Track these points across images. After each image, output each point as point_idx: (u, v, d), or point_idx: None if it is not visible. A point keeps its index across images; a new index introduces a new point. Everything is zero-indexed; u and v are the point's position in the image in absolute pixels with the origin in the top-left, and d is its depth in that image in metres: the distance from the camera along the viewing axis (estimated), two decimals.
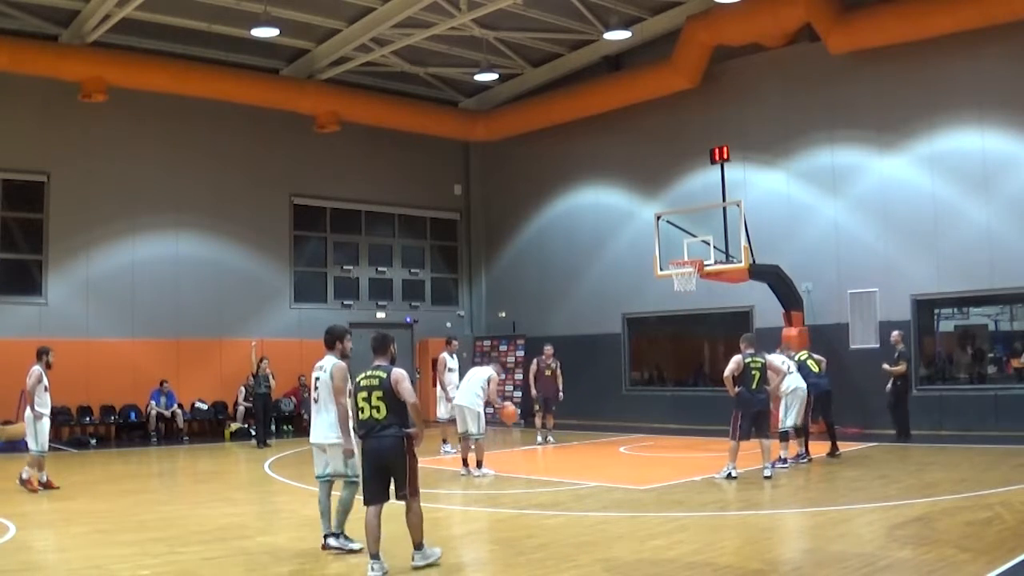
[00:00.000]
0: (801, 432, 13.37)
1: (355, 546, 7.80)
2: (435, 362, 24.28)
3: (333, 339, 8.16)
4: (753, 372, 11.83)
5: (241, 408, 20.15)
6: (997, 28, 16.38)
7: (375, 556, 6.95)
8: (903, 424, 16.31)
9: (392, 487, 7.14)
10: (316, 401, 8.04)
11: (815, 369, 13.84)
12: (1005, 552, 7.18)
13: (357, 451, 7.67)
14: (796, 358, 13.86)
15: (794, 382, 13.22)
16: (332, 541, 7.84)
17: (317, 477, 8.11)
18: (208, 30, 19.38)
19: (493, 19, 19.78)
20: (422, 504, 7.28)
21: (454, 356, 16.09)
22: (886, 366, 16.05)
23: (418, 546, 7.18)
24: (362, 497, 7.25)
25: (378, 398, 7.12)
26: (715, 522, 9.30)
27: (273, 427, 20.32)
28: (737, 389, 11.88)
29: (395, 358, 7.55)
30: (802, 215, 19.38)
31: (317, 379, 8.05)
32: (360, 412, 7.19)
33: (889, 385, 16.18)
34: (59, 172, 19.54)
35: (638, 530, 8.79)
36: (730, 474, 11.77)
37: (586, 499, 10.85)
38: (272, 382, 18.63)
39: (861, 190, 18.66)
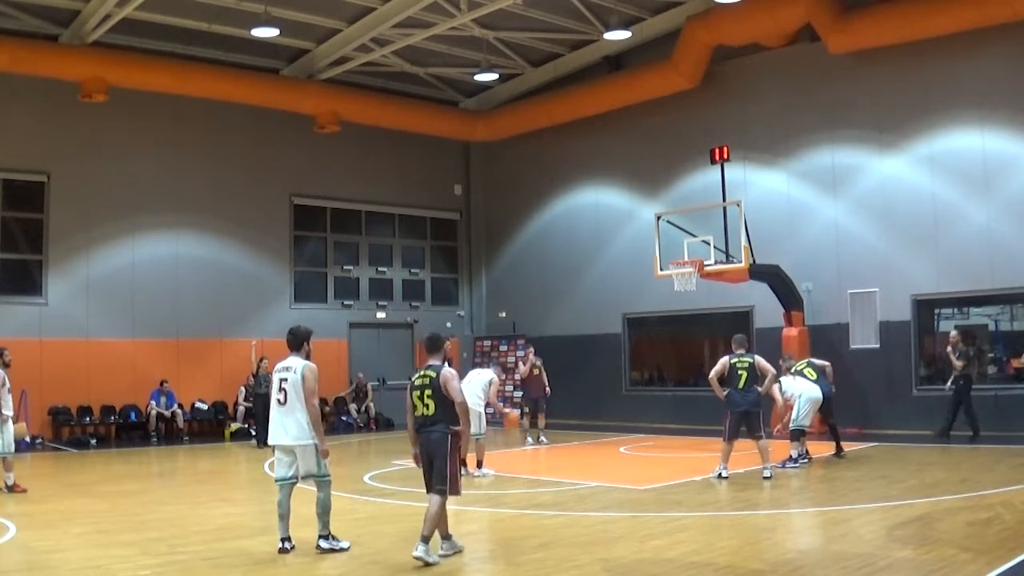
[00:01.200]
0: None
1: (344, 544, 7.85)
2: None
3: (299, 340, 8.19)
4: (740, 372, 11.83)
5: (241, 408, 20.15)
6: (997, 28, 16.38)
7: (445, 536, 7.57)
8: (973, 422, 15.82)
9: (429, 479, 7.51)
10: (282, 403, 7.91)
11: (811, 377, 13.77)
12: (1005, 552, 7.18)
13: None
14: (794, 370, 13.84)
15: (806, 387, 13.27)
16: (323, 543, 7.83)
17: (278, 480, 7.94)
18: (208, 30, 19.39)
19: (493, 19, 19.78)
20: (425, 504, 7.31)
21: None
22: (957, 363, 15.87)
23: (425, 539, 7.25)
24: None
25: (428, 396, 7.50)
26: (715, 522, 9.30)
27: None
28: (725, 390, 11.90)
29: (449, 358, 7.87)
30: (802, 215, 19.38)
31: (283, 380, 7.95)
32: (414, 409, 7.59)
33: (950, 384, 15.94)
34: (59, 172, 19.54)
35: (638, 530, 8.79)
36: (720, 474, 11.76)
37: (586, 499, 10.85)
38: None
39: (861, 190, 18.66)
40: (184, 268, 20.99)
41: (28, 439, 17.87)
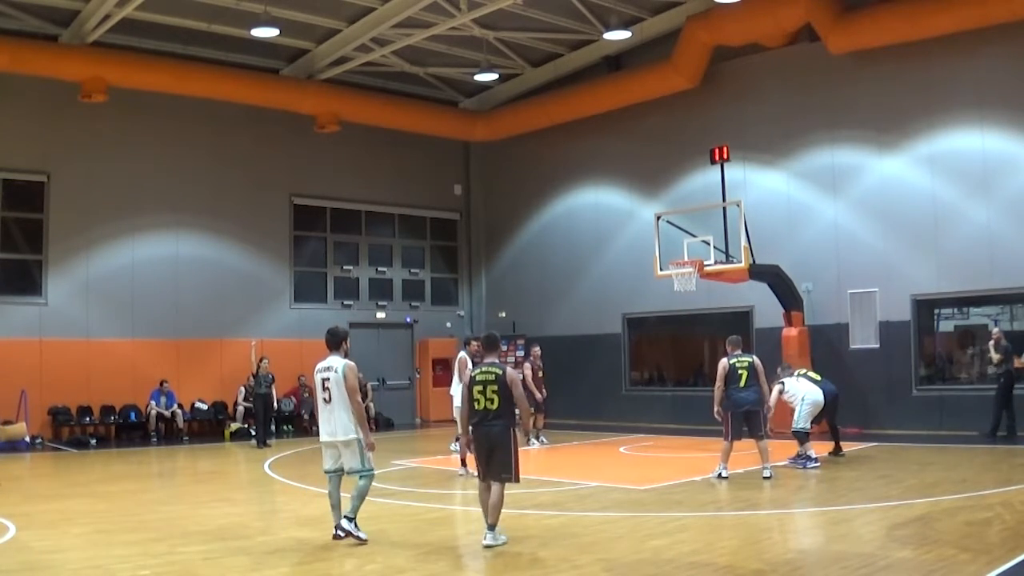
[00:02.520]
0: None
1: (362, 535, 8.07)
2: (435, 362, 24.61)
3: (338, 340, 8.47)
4: (740, 372, 11.85)
5: (241, 408, 20.16)
6: (997, 28, 16.38)
7: (492, 527, 7.92)
8: (1011, 420, 15.60)
9: (492, 469, 7.97)
10: (328, 401, 8.23)
11: (816, 378, 13.83)
12: (1005, 552, 7.18)
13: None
14: (798, 373, 13.92)
15: (808, 389, 13.31)
16: (345, 523, 8.07)
17: (326, 472, 8.35)
18: (208, 30, 19.39)
19: (493, 19, 19.78)
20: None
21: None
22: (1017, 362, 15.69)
23: (492, 527, 7.88)
24: (477, 475, 8.24)
25: (493, 391, 7.97)
26: (715, 522, 9.30)
27: (273, 427, 20.32)
28: (726, 391, 11.91)
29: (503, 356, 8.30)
30: (802, 215, 19.38)
31: (326, 379, 8.25)
32: (476, 403, 8.01)
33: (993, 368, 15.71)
34: (59, 172, 19.55)
35: (638, 530, 8.79)
36: (720, 474, 11.76)
37: (586, 499, 10.85)
38: (273, 382, 18.63)
39: (861, 190, 18.66)
40: (184, 268, 20.98)
41: (28, 439, 17.88)
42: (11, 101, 18.93)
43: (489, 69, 21.59)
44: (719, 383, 11.95)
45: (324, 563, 7.57)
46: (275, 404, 19.16)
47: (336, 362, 8.26)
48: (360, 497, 8.17)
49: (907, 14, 17.06)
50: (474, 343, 15.77)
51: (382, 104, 23.09)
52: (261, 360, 18.46)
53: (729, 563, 7.17)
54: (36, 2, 17.86)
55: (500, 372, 8.01)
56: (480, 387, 8.00)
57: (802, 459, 12.81)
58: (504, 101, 24.50)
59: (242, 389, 20.07)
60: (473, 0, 18.44)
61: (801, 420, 13.13)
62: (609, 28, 19.81)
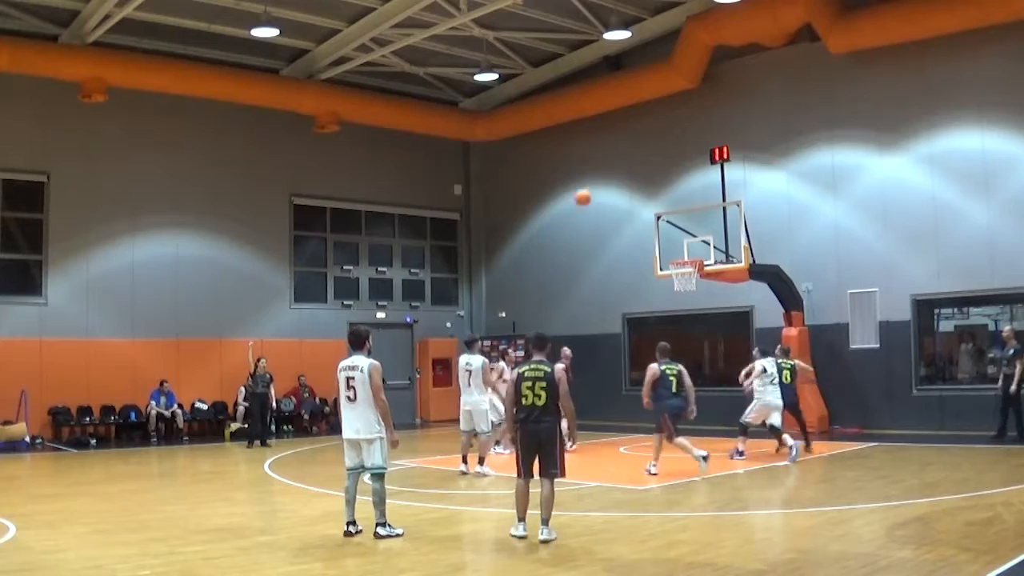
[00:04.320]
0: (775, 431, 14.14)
1: (398, 531, 8.36)
2: (436, 362, 24.59)
3: (361, 339, 8.69)
4: (671, 378, 12.48)
5: (241, 408, 20.14)
6: (997, 28, 16.38)
7: (522, 519, 8.18)
8: (1019, 420, 15.25)
9: (539, 465, 8.15)
10: (352, 400, 8.38)
11: (786, 381, 14.55)
12: (1005, 552, 7.18)
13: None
14: (780, 363, 14.53)
15: (766, 392, 14.09)
16: (380, 530, 8.29)
17: (348, 468, 8.51)
18: (208, 30, 19.39)
19: (493, 19, 19.78)
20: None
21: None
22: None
23: (545, 521, 8.04)
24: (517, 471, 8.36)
25: (542, 388, 8.15)
26: (715, 522, 9.30)
27: (273, 427, 20.32)
28: (650, 396, 12.63)
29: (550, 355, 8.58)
30: (802, 215, 19.38)
31: (351, 378, 8.40)
32: (523, 399, 8.18)
33: (1014, 385, 15.16)
34: (59, 172, 19.54)
35: (638, 530, 8.79)
36: (705, 456, 12.21)
37: (586, 499, 10.85)
38: (271, 381, 18.63)
39: (861, 190, 18.66)
40: (184, 268, 20.98)
41: (28, 439, 17.88)
42: (11, 101, 18.93)
43: (489, 69, 21.59)
44: (647, 387, 12.67)
45: (324, 563, 7.56)
46: (274, 404, 19.16)
47: (362, 361, 8.42)
48: (381, 501, 8.36)
49: (907, 14, 17.05)
50: (512, 354, 15.86)
51: (382, 104, 23.09)
52: (259, 360, 18.48)
53: (729, 563, 7.17)
54: (36, 2, 17.85)
55: (549, 369, 8.21)
56: (529, 383, 8.16)
57: (738, 452, 13.88)
58: (504, 101, 24.50)
59: (242, 389, 20.05)
60: (473, 0, 18.44)
61: (747, 415, 14.24)
62: (609, 28, 19.80)
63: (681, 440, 12.37)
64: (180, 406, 19.94)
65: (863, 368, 18.16)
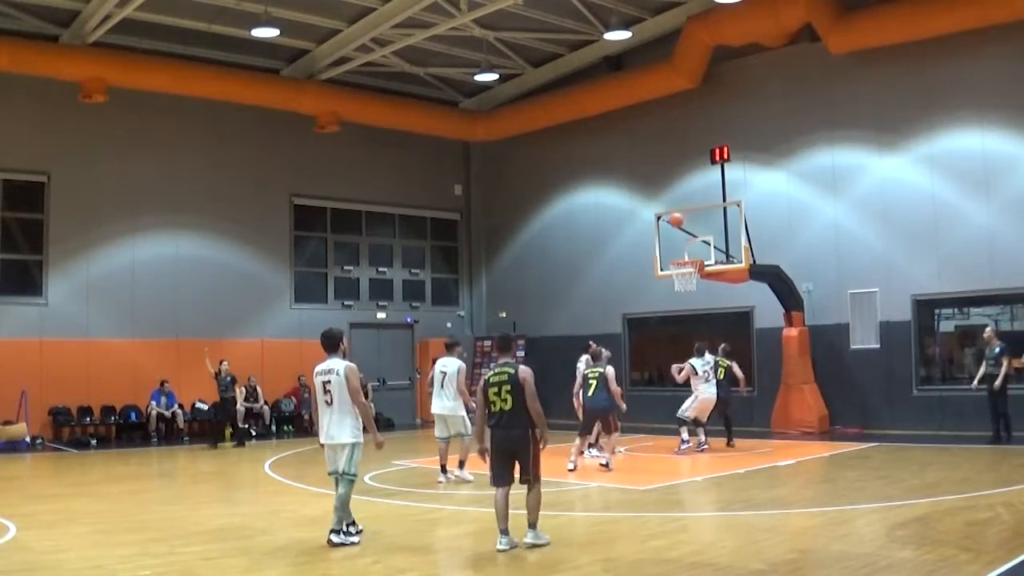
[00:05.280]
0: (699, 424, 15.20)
1: (355, 539, 8.08)
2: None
3: (335, 342, 8.41)
4: (591, 381, 13.00)
5: (241, 409, 20.12)
6: (997, 28, 16.38)
7: (504, 532, 7.75)
8: (1007, 422, 15.11)
9: (517, 472, 7.87)
10: (330, 403, 8.19)
11: (719, 377, 15.43)
12: (1005, 552, 7.18)
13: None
14: (718, 360, 15.71)
15: (703, 389, 15.09)
16: (333, 538, 7.97)
17: (331, 474, 8.32)
18: (208, 30, 19.40)
19: (493, 19, 19.78)
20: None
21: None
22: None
23: (532, 525, 7.81)
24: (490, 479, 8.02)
25: (507, 391, 7.82)
26: (715, 522, 9.30)
27: (273, 427, 20.33)
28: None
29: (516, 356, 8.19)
30: (802, 215, 19.38)
31: (327, 382, 8.19)
32: (492, 405, 7.89)
33: (998, 382, 14.96)
34: (59, 172, 19.54)
35: (638, 530, 8.79)
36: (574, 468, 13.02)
37: (586, 499, 10.85)
38: (233, 383, 18.47)
39: (861, 190, 18.66)
40: (184, 268, 20.98)
41: (28, 439, 17.88)
42: (11, 101, 18.93)
43: (489, 69, 21.58)
44: (577, 388, 13.71)
45: (324, 563, 7.56)
46: (237, 404, 18.85)
47: (337, 364, 8.20)
48: (343, 506, 8.09)
49: (907, 14, 17.05)
50: (594, 346, 15.42)
51: (382, 104, 23.09)
52: (221, 362, 18.35)
53: (729, 563, 7.17)
54: (36, 2, 17.86)
55: (512, 371, 7.87)
56: (495, 388, 7.86)
57: (683, 443, 15.01)
58: (504, 101, 24.50)
59: (242, 389, 20.05)
60: (473, 0, 18.44)
61: (684, 410, 15.17)
62: (609, 28, 19.80)
63: (582, 441, 13.48)
64: (180, 406, 19.93)
65: (863, 368, 18.16)
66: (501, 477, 7.88)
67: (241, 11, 18.25)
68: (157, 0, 17.62)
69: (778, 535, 8.49)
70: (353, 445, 8.13)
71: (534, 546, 7.72)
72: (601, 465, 13.15)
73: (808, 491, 11.29)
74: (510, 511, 7.83)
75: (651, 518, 9.44)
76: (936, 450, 14.50)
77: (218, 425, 18.76)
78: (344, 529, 8.06)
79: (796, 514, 9.52)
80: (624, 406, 13.65)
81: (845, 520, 8.91)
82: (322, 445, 8.37)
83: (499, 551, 7.62)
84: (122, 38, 19.13)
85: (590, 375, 13.28)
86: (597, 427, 13.71)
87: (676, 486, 11.50)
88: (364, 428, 8.25)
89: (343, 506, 8.09)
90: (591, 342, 16.02)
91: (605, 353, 14.09)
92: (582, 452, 13.86)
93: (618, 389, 13.23)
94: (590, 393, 13.12)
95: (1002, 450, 14.14)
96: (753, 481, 11.73)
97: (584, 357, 15.43)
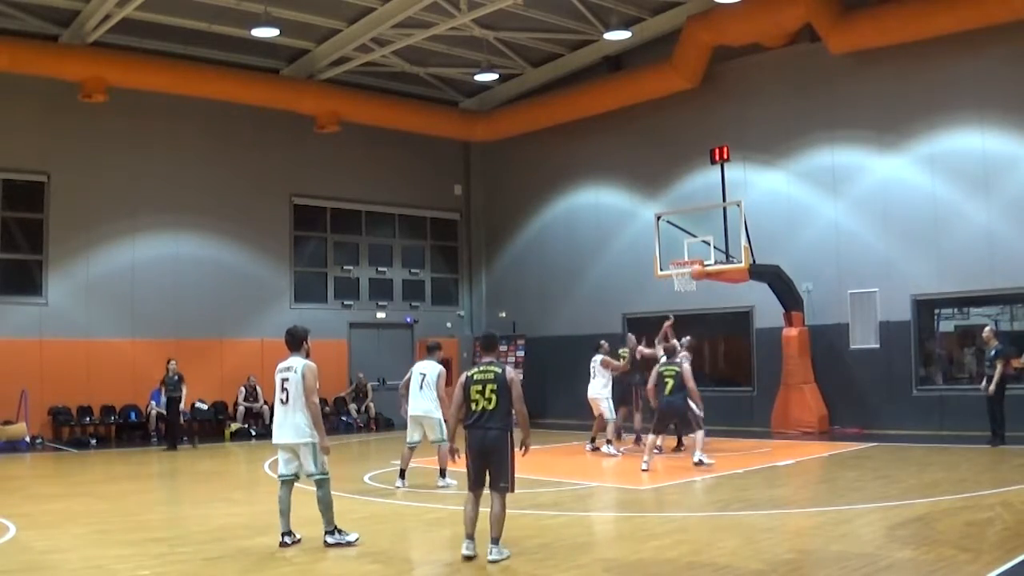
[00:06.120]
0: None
1: (351, 538, 7.98)
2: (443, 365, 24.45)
3: (298, 340, 8.30)
4: (666, 380, 12.94)
5: (241, 408, 20.14)
6: (997, 28, 16.37)
7: (470, 535, 7.46)
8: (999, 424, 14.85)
9: (489, 478, 7.53)
10: (285, 402, 8.03)
11: (665, 388, 13.25)
12: (1005, 552, 7.18)
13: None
14: (661, 369, 13.57)
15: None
16: (329, 539, 7.94)
17: (280, 476, 8.16)
18: (208, 30, 19.39)
19: (493, 19, 19.78)
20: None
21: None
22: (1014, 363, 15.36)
23: (496, 540, 7.40)
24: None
25: (492, 391, 7.57)
26: (715, 522, 9.30)
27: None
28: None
29: (447, 359, 7.96)
30: (802, 215, 19.38)
31: (285, 380, 8.06)
32: (473, 404, 7.59)
33: (992, 384, 14.77)
34: (59, 172, 19.54)
35: (638, 530, 8.79)
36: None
37: (586, 499, 10.86)
38: (180, 382, 17.87)
39: (861, 190, 18.66)
40: (184, 268, 20.98)
41: (28, 439, 17.88)
42: (11, 101, 18.93)
43: (489, 69, 21.59)
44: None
45: (324, 563, 7.56)
46: (181, 404, 18.23)
47: (296, 362, 8.07)
48: (327, 508, 7.97)
49: (907, 14, 17.05)
50: (605, 344, 15.49)
51: (382, 104, 23.09)
52: (168, 362, 18.01)
53: (729, 563, 7.17)
54: (36, 2, 17.86)
55: (500, 371, 7.66)
56: (479, 387, 7.60)
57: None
58: (504, 101, 24.50)
59: (242, 389, 20.06)
60: (473, 0, 18.44)
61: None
62: (609, 28, 19.81)
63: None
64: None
65: (863, 368, 18.16)
66: (477, 480, 7.61)
67: (241, 11, 18.24)
68: (157, 0, 17.62)
69: (777, 535, 8.49)
70: (312, 444, 7.94)
71: (498, 562, 7.29)
72: (696, 463, 12.78)
73: (807, 491, 11.29)
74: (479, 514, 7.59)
75: (651, 518, 9.44)
76: (936, 450, 14.50)
77: (170, 426, 18.16)
78: (337, 528, 7.99)
79: (795, 514, 9.52)
80: (700, 408, 13.22)
81: (844, 520, 8.91)
82: (276, 446, 8.17)
83: (465, 557, 7.36)
84: (122, 38, 19.13)
85: (665, 373, 12.80)
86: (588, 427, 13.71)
87: (676, 486, 11.50)
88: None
89: (328, 507, 7.97)
90: (602, 341, 16.03)
91: (684, 349, 13.45)
92: (658, 449, 13.65)
93: (695, 388, 12.85)
94: (666, 392, 12.71)
95: (1001, 450, 14.14)
96: (752, 481, 11.73)
97: (597, 357, 15.46)
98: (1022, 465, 12.42)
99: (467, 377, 7.73)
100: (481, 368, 7.74)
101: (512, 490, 7.61)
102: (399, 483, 11.77)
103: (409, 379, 12.04)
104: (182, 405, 18.24)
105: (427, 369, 11.84)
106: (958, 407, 16.82)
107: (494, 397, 7.56)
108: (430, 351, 12.26)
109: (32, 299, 19.29)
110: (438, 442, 11.64)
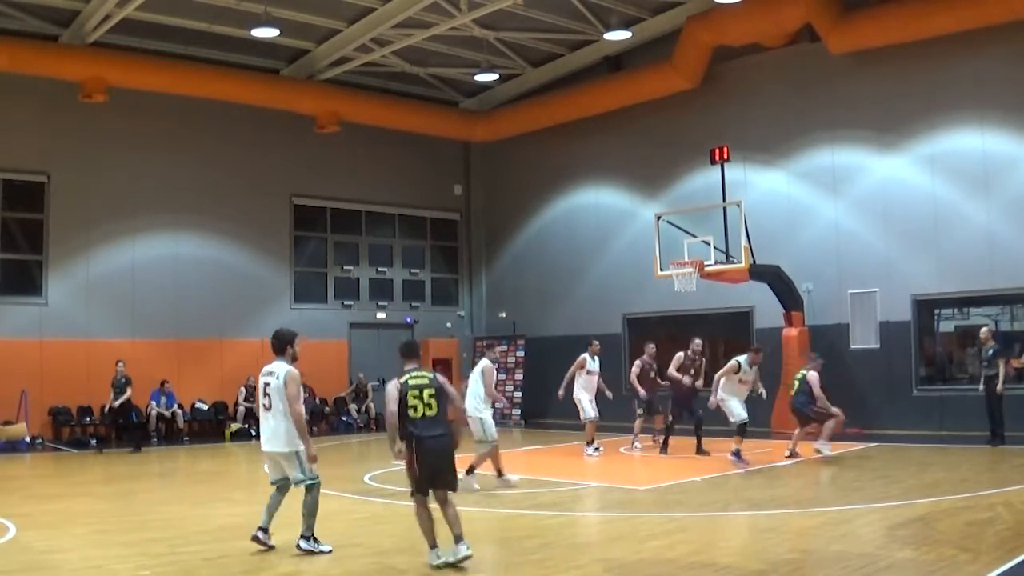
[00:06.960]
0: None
1: (325, 548, 7.80)
2: (436, 362, 24.56)
3: (283, 343, 8.09)
4: (794, 382, 13.70)
5: (241, 408, 20.13)
6: (997, 28, 16.38)
7: (434, 545, 7.29)
8: (994, 421, 14.89)
9: (436, 481, 7.40)
10: (267, 408, 7.89)
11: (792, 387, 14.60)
12: (1005, 552, 7.18)
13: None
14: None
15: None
16: (302, 543, 7.80)
17: (272, 482, 8.06)
18: (208, 30, 19.39)
19: (493, 19, 19.78)
20: (422, 504, 7.33)
21: (595, 358, 15.55)
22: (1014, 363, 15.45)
23: (461, 538, 7.26)
24: (412, 489, 7.49)
25: (431, 396, 7.43)
26: (715, 522, 9.30)
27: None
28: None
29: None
30: (802, 215, 19.38)
31: (267, 384, 7.90)
32: (412, 410, 7.40)
33: (1000, 385, 14.70)
34: (59, 172, 19.54)
35: (638, 530, 8.79)
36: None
37: (586, 499, 10.86)
38: (127, 384, 17.64)
39: (861, 190, 18.66)
40: (184, 268, 20.98)
41: (28, 439, 17.87)
42: (11, 101, 18.93)
43: (489, 69, 21.59)
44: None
45: (324, 563, 7.56)
46: (127, 406, 17.96)
47: (279, 368, 7.89)
48: (311, 513, 7.81)
49: (907, 14, 17.06)
50: (596, 343, 15.77)
51: (382, 104, 23.09)
52: (117, 363, 17.77)
53: (729, 563, 7.17)
54: (36, 2, 17.86)
55: (432, 375, 7.55)
56: (416, 392, 7.40)
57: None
58: (504, 101, 24.50)
59: (243, 389, 20.05)
60: (473, 0, 18.44)
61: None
62: (609, 28, 19.81)
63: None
64: (180, 406, 19.91)
65: (863, 368, 18.16)
66: (427, 485, 7.44)
67: (241, 11, 18.24)
68: (157, 0, 17.62)
69: (778, 535, 8.49)
70: (294, 453, 7.79)
71: (467, 558, 7.13)
72: (816, 451, 13.63)
73: (808, 491, 11.29)
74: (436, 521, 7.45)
75: (651, 518, 9.44)
76: (936, 450, 14.51)
77: (133, 428, 18.00)
78: (313, 536, 7.83)
79: (796, 514, 9.52)
80: (837, 411, 13.73)
81: (845, 520, 8.91)
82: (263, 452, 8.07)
83: (435, 567, 7.16)
84: (122, 38, 19.13)
85: (796, 376, 14.16)
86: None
87: (676, 486, 11.50)
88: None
89: (311, 512, 7.82)
90: (593, 340, 16.14)
91: (817, 360, 14.45)
92: (812, 435, 14.07)
93: (821, 394, 13.61)
94: (792, 393, 14.13)
95: (1001, 450, 14.14)
96: (753, 481, 11.73)
97: (584, 355, 15.53)
98: (1022, 465, 12.43)
99: (403, 383, 7.49)
100: (413, 374, 7.52)
101: (454, 489, 7.51)
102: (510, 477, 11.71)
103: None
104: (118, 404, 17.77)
105: (477, 369, 12.11)
106: (958, 407, 16.82)
107: (434, 402, 7.42)
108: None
109: (32, 299, 19.29)
110: (486, 442, 11.62)
